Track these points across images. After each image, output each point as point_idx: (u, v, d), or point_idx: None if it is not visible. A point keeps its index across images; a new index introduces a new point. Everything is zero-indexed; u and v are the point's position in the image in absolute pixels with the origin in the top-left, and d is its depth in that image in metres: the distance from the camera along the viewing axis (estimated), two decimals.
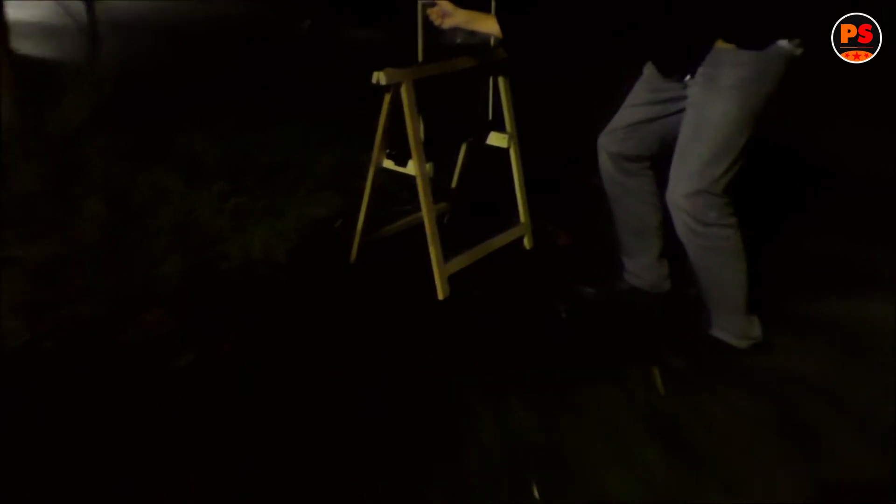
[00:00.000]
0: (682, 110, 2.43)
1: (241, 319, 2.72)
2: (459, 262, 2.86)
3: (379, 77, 2.53)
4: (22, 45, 6.16)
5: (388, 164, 2.77)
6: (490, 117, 3.07)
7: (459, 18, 2.55)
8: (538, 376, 2.43)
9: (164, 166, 3.96)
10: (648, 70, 2.54)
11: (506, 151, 3.09)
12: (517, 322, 2.72)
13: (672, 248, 2.66)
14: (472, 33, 2.62)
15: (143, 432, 2.21)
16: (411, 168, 2.71)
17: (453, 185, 3.29)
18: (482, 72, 2.96)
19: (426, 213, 2.72)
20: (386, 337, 2.62)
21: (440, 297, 2.79)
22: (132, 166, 3.92)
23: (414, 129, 2.64)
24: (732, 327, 2.50)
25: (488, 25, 2.53)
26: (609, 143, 2.63)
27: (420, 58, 2.68)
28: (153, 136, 4.36)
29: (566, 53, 2.67)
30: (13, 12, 4.41)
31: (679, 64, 2.39)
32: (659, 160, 2.63)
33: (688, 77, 2.36)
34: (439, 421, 2.25)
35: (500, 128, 3.07)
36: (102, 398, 2.36)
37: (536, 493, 1.99)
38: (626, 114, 2.60)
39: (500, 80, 2.99)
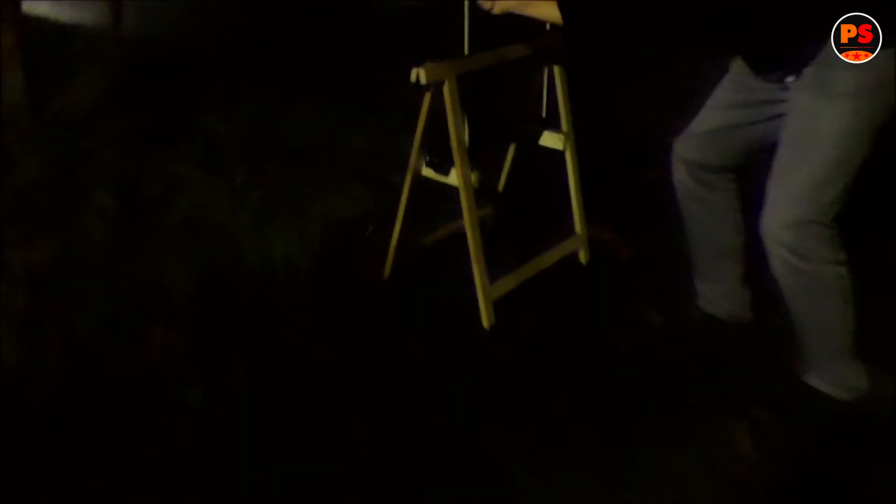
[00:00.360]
0: (778, 115, 2.02)
1: (255, 345, 2.39)
2: (507, 283, 2.49)
3: (418, 75, 2.15)
4: (39, 8, 5.94)
5: (428, 172, 2.40)
6: (544, 114, 2.67)
7: (512, 2, 2.15)
8: (595, 429, 2.07)
9: (180, 151, 3.64)
10: (737, 65, 2.13)
11: (560, 151, 2.69)
12: (571, 358, 2.34)
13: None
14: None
15: (145, 475, 1.93)
16: (454, 177, 2.34)
17: (500, 187, 2.90)
18: (536, 61, 2.56)
19: (471, 231, 2.35)
20: (421, 373, 2.27)
21: (485, 325, 2.43)
22: (146, 152, 3.61)
23: (458, 134, 2.26)
24: (833, 376, 2.11)
25: (547, 11, 2.13)
26: (686, 150, 2.23)
27: (466, 49, 2.29)
28: (172, 115, 4.04)
29: (639, 43, 2.24)
30: None
31: (778, 61, 1.98)
32: (744, 170, 2.25)
33: (790, 78, 1.94)
34: (477, 482, 1.91)
35: (555, 126, 2.67)
36: (101, 436, 2.05)
37: None
38: (709, 117, 2.20)
39: (556, 71, 2.59)
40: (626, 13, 1.99)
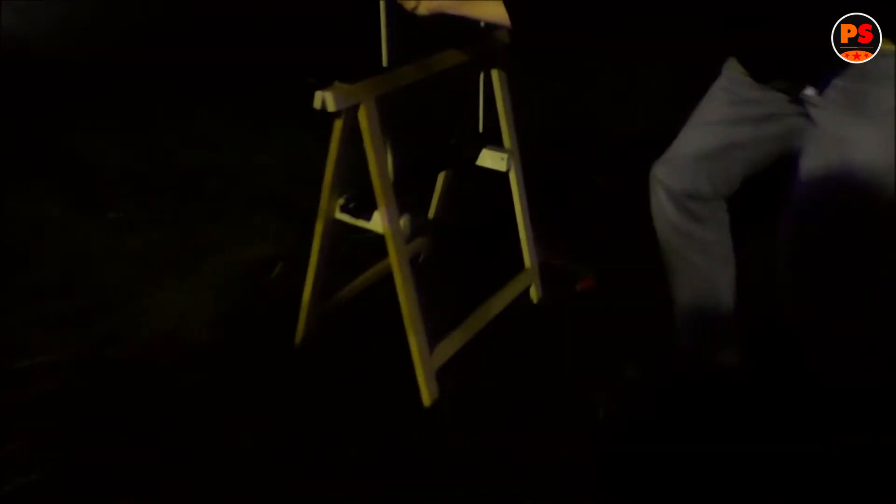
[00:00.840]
0: (788, 133, 1.60)
1: (138, 461, 1.81)
2: (449, 346, 2.02)
3: (325, 100, 1.63)
4: None
5: (344, 217, 1.88)
6: (480, 129, 2.19)
7: (443, 1, 1.65)
8: None
9: (45, 183, 3.00)
10: (731, 69, 1.69)
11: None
12: (539, 431, 1.89)
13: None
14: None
15: None
16: (377, 223, 1.83)
17: (430, 214, 2.40)
18: (471, 68, 2.07)
19: (403, 291, 1.86)
20: (355, 477, 1.77)
21: (425, 402, 1.95)
22: (2, 187, 2.97)
23: (380, 169, 1.76)
24: None
25: (488, 8, 1.64)
26: (672, 177, 1.79)
27: (384, 60, 1.77)
28: (38, 139, 3.38)
29: (600, 37, 1.76)
30: None
31: (786, 65, 1.54)
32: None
33: (809, 90, 1.50)
34: None
35: (495, 143, 2.19)
36: None
37: None
38: (697, 136, 1.76)
39: (495, 78, 2.11)
40: (588, 10, 1.53)
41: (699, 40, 1.70)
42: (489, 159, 2.16)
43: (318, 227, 1.93)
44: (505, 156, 2.15)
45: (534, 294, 2.35)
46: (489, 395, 1.99)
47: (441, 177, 2.32)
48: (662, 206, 1.82)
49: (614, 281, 2.41)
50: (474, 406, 1.96)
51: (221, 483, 1.73)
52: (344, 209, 1.84)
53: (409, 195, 1.89)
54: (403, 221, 1.83)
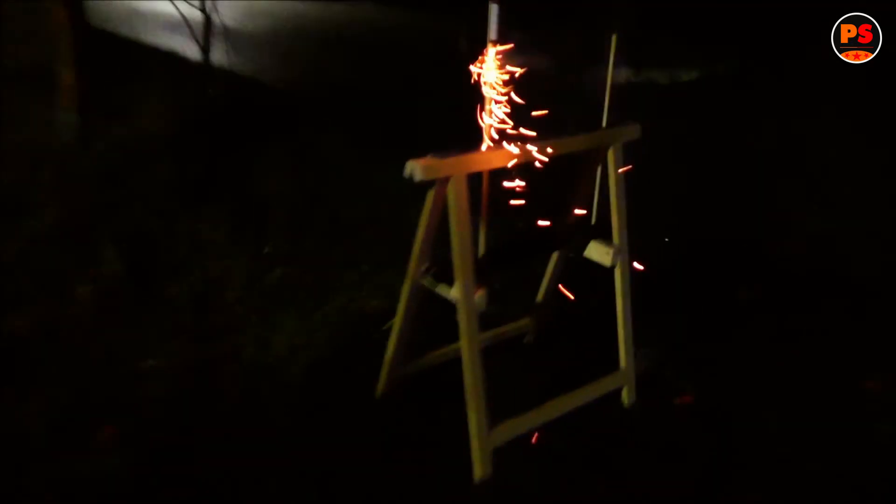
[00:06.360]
0: None
1: (208, 480, 1.97)
2: (512, 427, 2.01)
3: (412, 171, 1.73)
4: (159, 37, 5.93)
5: (427, 282, 1.96)
6: (593, 220, 2.20)
7: None
8: None
9: (218, 210, 3.31)
10: None
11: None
12: None
13: None
14: None
15: None
16: (455, 292, 1.89)
17: (539, 297, 2.42)
18: (586, 156, 2.10)
19: (468, 363, 1.89)
20: None
21: (476, 476, 1.95)
22: (179, 206, 3.30)
23: (462, 243, 1.82)
24: None
25: None
26: None
27: (486, 139, 1.85)
28: (224, 168, 3.73)
29: None
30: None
31: None
32: None
33: None
34: None
35: (604, 235, 2.18)
36: None
37: None
38: None
39: (610, 167, 2.11)
40: None
41: None
42: (595, 252, 2.16)
43: (405, 289, 2.01)
44: (611, 250, 2.13)
45: (625, 398, 2.28)
46: (543, 485, 1.96)
47: (551, 264, 2.34)
48: None
49: (716, 399, 2.29)
50: (522, 493, 1.94)
51: None
52: (425, 274, 1.92)
53: (504, 271, 1.92)
54: (480, 296, 1.87)
